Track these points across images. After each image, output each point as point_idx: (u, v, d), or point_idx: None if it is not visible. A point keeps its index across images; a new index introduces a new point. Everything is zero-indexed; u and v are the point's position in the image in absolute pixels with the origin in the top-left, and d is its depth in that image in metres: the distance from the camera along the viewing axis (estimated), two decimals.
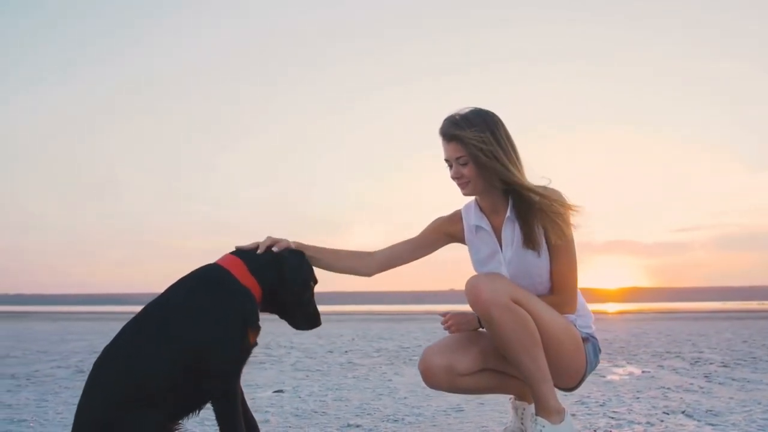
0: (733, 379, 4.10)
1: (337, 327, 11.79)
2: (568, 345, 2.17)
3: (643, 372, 4.60)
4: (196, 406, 1.80)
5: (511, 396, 2.43)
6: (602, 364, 5.14)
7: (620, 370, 4.73)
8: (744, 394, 3.46)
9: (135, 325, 1.78)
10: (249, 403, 3.16)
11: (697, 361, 5.31)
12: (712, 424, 2.60)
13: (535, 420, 2.13)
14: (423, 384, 3.60)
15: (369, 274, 2.31)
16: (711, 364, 5.10)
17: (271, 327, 13.09)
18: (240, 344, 1.76)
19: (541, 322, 2.11)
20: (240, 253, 1.91)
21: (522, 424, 2.36)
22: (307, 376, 4.47)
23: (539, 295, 2.20)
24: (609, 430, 2.49)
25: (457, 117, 2.15)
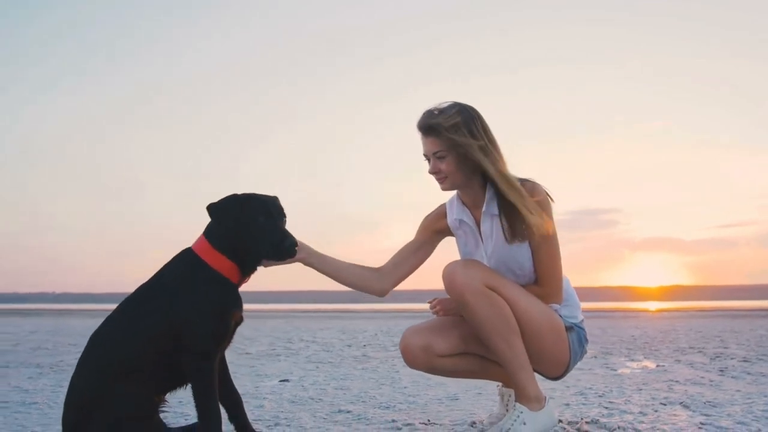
0: (748, 373, 4.01)
1: (363, 324, 11.88)
2: (548, 332, 2.17)
3: (657, 366, 4.53)
4: (179, 382, 1.89)
5: (499, 383, 2.45)
6: (616, 359, 5.07)
7: (634, 364, 4.66)
8: (753, 388, 3.39)
9: (122, 308, 1.90)
10: (253, 391, 3.27)
11: (718, 357, 5.19)
12: (707, 415, 2.56)
13: (515, 407, 2.14)
14: (427, 375, 3.64)
15: (383, 294, 2.33)
16: (732, 359, 4.98)
17: (298, 323, 13.19)
18: (212, 326, 1.83)
19: (517, 309, 2.12)
20: (207, 230, 1.94)
21: (507, 410, 2.37)
22: (317, 367, 4.55)
23: (524, 286, 2.21)
24: (598, 419, 2.48)
25: (435, 111, 2.15)
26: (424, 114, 2.17)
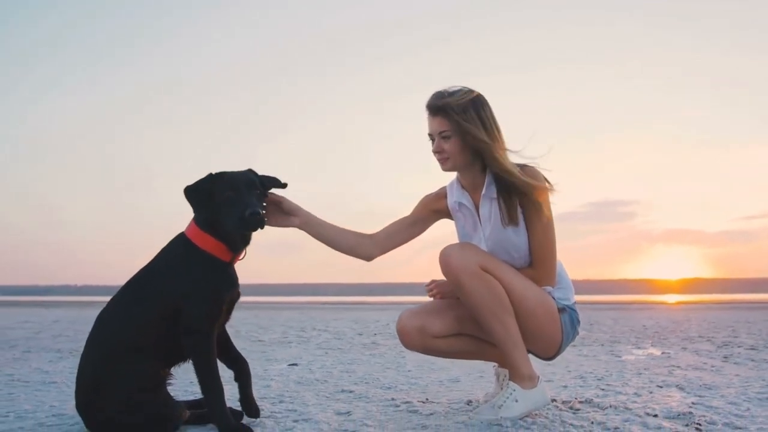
0: (752, 360, 4.03)
1: (376, 314, 11.99)
2: (541, 313, 2.24)
3: (662, 353, 4.57)
4: (181, 357, 2.00)
5: (495, 363, 2.53)
6: (623, 347, 5.12)
7: (640, 352, 4.70)
8: (753, 372, 3.43)
9: (123, 291, 2.03)
10: (261, 373, 3.39)
11: (725, 345, 5.20)
12: (700, 396, 2.62)
13: (507, 385, 2.22)
14: (432, 360, 3.72)
15: (369, 259, 2.40)
16: (739, 347, 4.99)
17: (313, 314, 13.31)
18: (205, 306, 1.93)
19: (511, 290, 2.19)
20: (195, 215, 2.03)
21: (502, 389, 2.44)
22: (326, 353, 4.66)
23: (518, 268, 2.28)
24: (592, 398, 2.55)
25: (445, 93, 2.22)
26: (434, 94, 2.24)
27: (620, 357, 4.31)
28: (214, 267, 1.97)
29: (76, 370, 3.56)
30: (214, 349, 1.94)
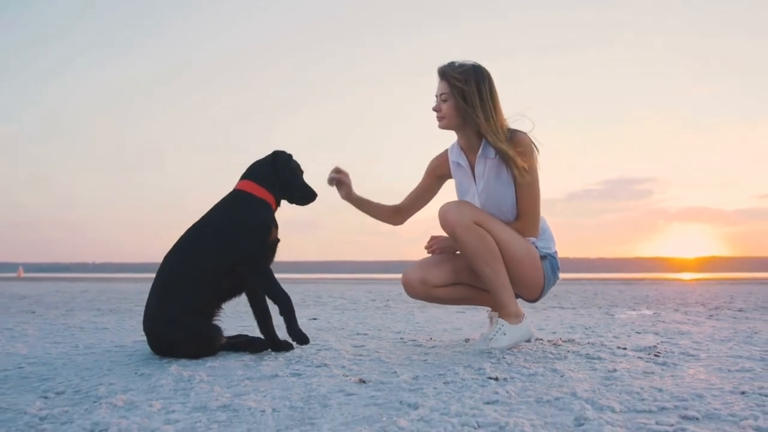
0: (734, 318, 4.37)
1: (389, 286, 12.42)
2: (526, 261, 2.61)
3: (654, 313, 4.91)
4: (231, 293, 2.42)
5: (489, 308, 2.90)
6: (619, 309, 5.47)
7: (633, 312, 5.05)
8: (728, 325, 3.77)
9: (187, 234, 2.45)
10: (284, 325, 3.79)
11: (717, 308, 5.53)
12: (671, 338, 2.98)
13: (497, 321, 2.60)
14: (439, 316, 4.10)
15: (399, 224, 2.94)
16: (729, 310, 5.32)
17: (327, 286, 13.69)
18: (262, 238, 2.39)
19: (500, 241, 2.56)
20: (249, 174, 2.52)
21: (492, 326, 2.82)
22: (342, 312, 5.08)
23: (507, 222, 2.65)
24: (574, 339, 2.92)
25: (455, 63, 2.61)
26: (447, 62, 2.63)
27: (613, 315, 4.67)
28: (267, 209, 2.46)
29: (122, 321, 4.02)
30: (272, 273, 2.39)
